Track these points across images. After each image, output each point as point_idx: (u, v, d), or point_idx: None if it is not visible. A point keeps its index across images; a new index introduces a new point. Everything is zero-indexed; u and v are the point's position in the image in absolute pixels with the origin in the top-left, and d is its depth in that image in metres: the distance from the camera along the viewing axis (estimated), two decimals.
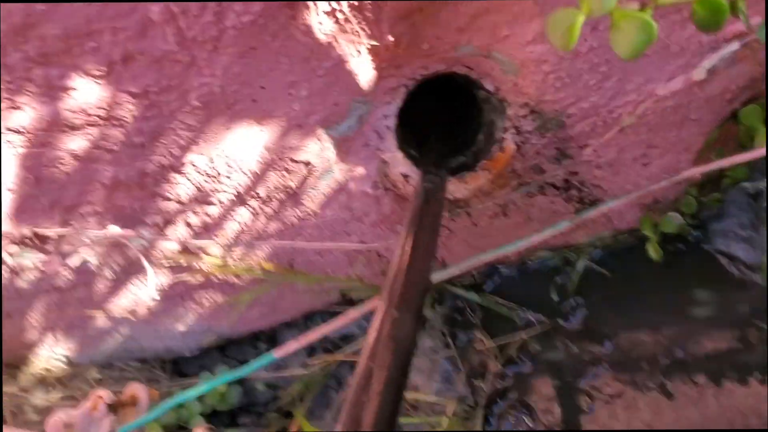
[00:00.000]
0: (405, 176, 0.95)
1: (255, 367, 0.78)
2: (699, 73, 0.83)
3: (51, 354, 1.30)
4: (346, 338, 1.29)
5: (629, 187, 1.06)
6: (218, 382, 0.79)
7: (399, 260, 0.68)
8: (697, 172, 0.99)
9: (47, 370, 1.32)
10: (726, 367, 1.07)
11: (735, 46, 0.78)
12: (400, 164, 0.94)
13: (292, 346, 0.79)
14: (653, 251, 1.10)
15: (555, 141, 0.94)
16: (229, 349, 1.35)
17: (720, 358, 1.07)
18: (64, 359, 1.32)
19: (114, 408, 0.82)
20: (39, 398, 1.30)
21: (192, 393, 0.82)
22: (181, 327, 1.26)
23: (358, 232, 1.07)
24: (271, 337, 1.35)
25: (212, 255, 1.06)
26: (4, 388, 1.27)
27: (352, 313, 0.80)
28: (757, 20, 0.73)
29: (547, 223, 1.12)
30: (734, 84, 0.91)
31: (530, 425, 1.14)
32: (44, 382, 1.33)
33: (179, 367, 1.37)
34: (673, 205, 1.12)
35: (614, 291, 1.17)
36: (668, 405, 1.08)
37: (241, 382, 1.31)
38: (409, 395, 1.18)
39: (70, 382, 1.30)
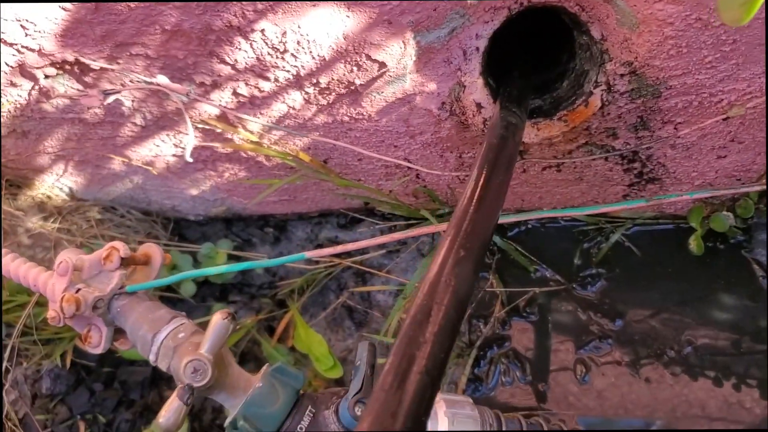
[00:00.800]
0: (478, 105, 0.88)
1: (284, 261, 0.75)
2: None
3: (56, 183, 1.26)
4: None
5: (695, 174, 1.01)
6: (241, 267, 0.75)
7: (469, 197, 0.63)
8: (760, 188, 0.94)
9: (48, 197, 1.28)
10: (728, 375, 1.06)
11: None
12: (477, 91, 0.87)
13: (326, 250, 0.75)
14: (695, 245, 1.06)
15: (642, 109, 0.88)
16: (236, 225, 1.32)
17: (729, 369, 1.06)
18: (67, 191, 1.29)
19: (126, 263, 0.79)
20: (34, 223, 1.27)
21: (211, 270, 0.78)
22: (194, 191, 1.22)
23: (406, 149, 1.01)
24: (281, 225, 1.31)
25: (249, 131, 1.00)
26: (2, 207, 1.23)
27: (397, 235, 0.75)
28: None
29: (599, 187, 1.07)
30: None
31: (518, 376, 1.13)
32: (43, 208, 1.29)
33: (180, 228, 1.34)
34: (729, 203, 1.07)
35: (640, 271, 1.14)
36: (662, 399, 1.08)
37: (237, 258, 1.29)
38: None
39: (69, 215, 1.27)
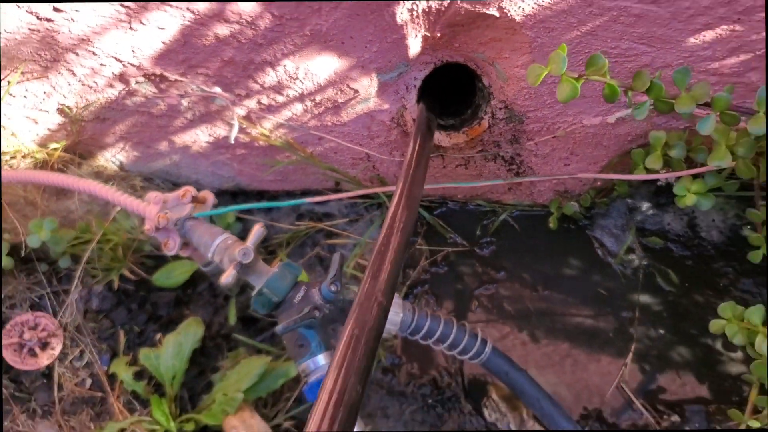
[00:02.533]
0: (414, 120, 1.42)
1: (289, 204, 1.26)
2: (611, 119, 1.33)
3: (111, 157, 1.74)
4: (327, 215, 1.78)
5: (549, 173, 1.56)
6: (270, 205, 1.27)
7: (407, 162, 1.14)
8: (594, 176, 1.50)
9: (104, 167, 1.76)
10: (571, 313, 1.61)
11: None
12: (413, 111, 1.41)
13: (317, 198, 1.27)
14: (552, 223, 1.61)
15: (513, 130, 1.43)
16: (239, 197, 1.82)
17: (570, 306, 1.61)
18: (118, 164, 1.76)
19: (193, 200, 1.29)
20: None
21: (240, 206, 1.29)
22: (215, 169, 1.72)
23: (368, 147, 1.54)
24: (273, 198, 1.82)
25: (264, 127, 1.51)
26: (71, 167, 1.70)
27: (359, 192, 1.27)
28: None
29: (492, 180, 1.62)
30: (634, 132, 1.41)
31: (434, 308, 1.66)
32: (99, 175, 1.77)
33: None
34: (576, 197, 1.63)
35: (519, 241, 1.69)
36: (524, 327, 1.62)
37: (241, 219, 1.78)
38: (360, 260, 1.68)
39: (119, 182, 1.75)
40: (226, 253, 1.20)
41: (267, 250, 1.76)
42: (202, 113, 1.50)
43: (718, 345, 1.54)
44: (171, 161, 1.72)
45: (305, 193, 1.82)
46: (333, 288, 1.19)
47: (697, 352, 1.55)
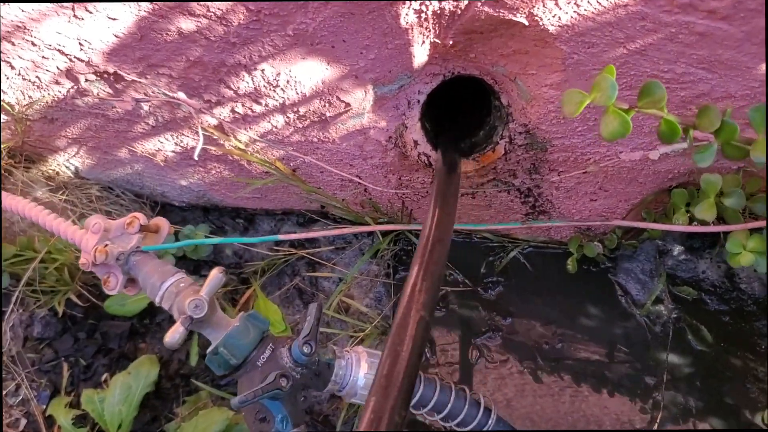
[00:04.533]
0: (415, 142, 1.19)
1: (261, 240, 1.03)
2: (654, 155, 1.10)
3: (65, 162, 1.50)
4: (310, 240, 1.55)
5: (574, 211, 1.34)
6: (234, 240, 1.03)
7: (430, 221, 0.91)
8: (631, 224, 1.28)
9: (57, 173, 1.53)
10: (589, 373, 1.39)
11: (684, 145, 1.05)
12: (415, 131, 1.18)
13: (293, 236, 1.04)
14: (571, 265, 1.38)
15: (534, 159, 1.20)
16: (212, 213, 1.59)
17: (587, 365, 1.38)
18: (73, 170, 1.53)
19: (142, 229, 1.06)
20: (43, 193, 1.51)
21: (207, 240, 1.05)
22: (183, 182, 1.49)
23: (359, 168, 1.31)
24: (250, 218, 1.59)
25: (238, 140, 1.28)
26: (16, 172, 1.47)
27: (347, 229, 1.04)
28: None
29: (503, 213, 1.39)
30: (677, 169, 1.18)
31: (427, 354, 1.43)
32: (50, 181, 1.54)
33: (165, 211, 1.59)
34: (600, 236, 1.40)
35: (529, 282, 1.46)
36: (533, 389, 1.39)
37: (214, 245, 1.55)
38: (345, 299, 1.45)
39: (73, 190, 1.52)
40: (176, 300, 0.97)
41: (239, 277, 1.52)
42: (166, 120, 1.27)
43: (758, 419, 1.32)
44: (133, 170, 1.49)
45: (287, 213, 1.59)
46: (306, 349, 0.97)
47: (731, 424, 1.33)
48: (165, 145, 1.36)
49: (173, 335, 0.91)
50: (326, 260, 1.51)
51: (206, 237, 1.52)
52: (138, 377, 1.35)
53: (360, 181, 1.29)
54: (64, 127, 1.35)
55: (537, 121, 1.11)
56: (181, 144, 1.34)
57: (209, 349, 0.97)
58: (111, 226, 1.05)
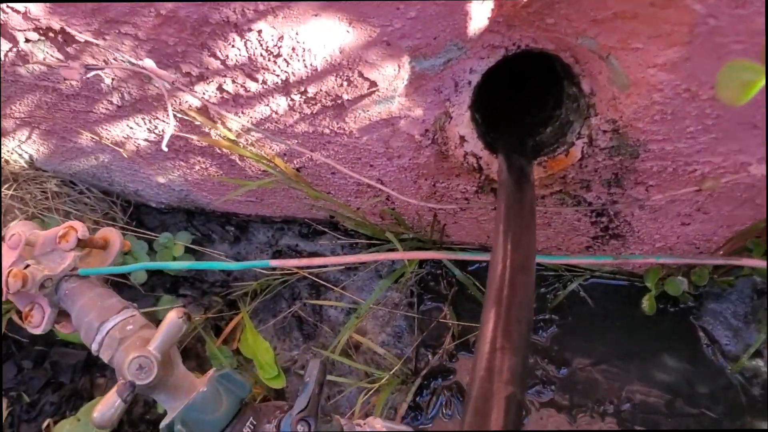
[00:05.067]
0: (461, 138, 0.89)
1: (248, 266, 0.73)
2: None
3: (16, 148, 1.21)
4: (314, 256, 1.25)
5: (657, 236, 1.03)
6: (201, 266, 0.73)
7: (503, 248, 0.60)
8: (723, 262, 0.97)
9: (6, 161, 1.24)
10: None
11: None
12: (463, 124, 0.87)
13: (292, 262, 0.74)
14: (648, 305, 1.08)
15: (618, 167, 0.90)
16: (197, 218, 1.29)
17: (658, 425, 1.08)
18: (27, 158, 1.24)
19: (82, 244, 0.76)
20: None
21: (168, 265, 0.76)
22: (161, 179, 1.19)
23: (381, 170, 1.01)
24: (243, 225, 1.29)
25: (228, 128, 0.99)
26: None
27: (366, 257, 0.74)
28: None
29: (565, 235, 1.08)
30: None
31: (459, 410, 1.13)
32: None
33: (140, 214, 1.30)
34: (685, 268, 1.10)
35: (591, 322, 1.15)
36: None
37: (194, 252, 1.26)
38: (355, 336, 1.15)
39: (25, 183, 1.23)
40: (118, 352, 0.68)
41: (225, 299, 1.23)
42: (134, 98, 0.98)
43: None
44: (98, 162, 1.20)
45: (288, 222, 1.29)
46: (302, 429, 0.67)
47: None
48: (135, 132, 1.06)
49: (105, 411, 0.61)
50: (334, 282, 1.21)
51: (186, 247, 1.22)
52: (89, 427, 1.05)
53: (382, 187, 0.99)
54: (8, 103, 1.06)
55: (632, 117, 0.81)
56: (156, 131, 1.05)
57: (162, 423, 0.68)
58: (37, 238, 0.75)
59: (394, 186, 1.05)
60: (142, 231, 1.26)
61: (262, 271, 1.20)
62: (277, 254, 1.26)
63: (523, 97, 1.04)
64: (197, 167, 1.13)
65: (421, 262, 1.20)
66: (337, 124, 0.93)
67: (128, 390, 0.62)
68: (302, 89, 0.87)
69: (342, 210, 1.15)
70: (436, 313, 1.19)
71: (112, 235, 0.79)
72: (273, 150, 1.03)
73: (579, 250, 1.12)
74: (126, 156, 1.13)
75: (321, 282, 1.20)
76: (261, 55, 0.83)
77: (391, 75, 0.82)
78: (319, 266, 1.17)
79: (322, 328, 1.19)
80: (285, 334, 1.20)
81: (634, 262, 1.11)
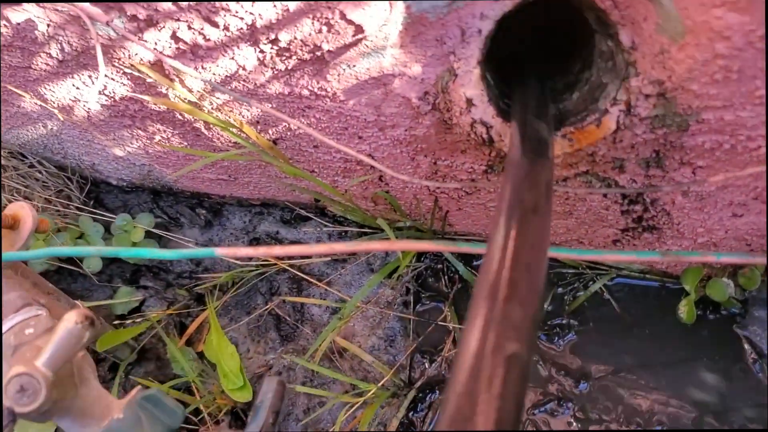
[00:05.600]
0: (468, 102, 0.72)
1: (187, 255, 0.57)
2: None
3: None
4: (297, 244, 1.08)
5: (701, 230, 0.86)
6: (125, 253, 0.57)
7: (503, 240, 0.44)
8: None
9: None
10: None
11: None
12: (471, 84, 0.70)
13: (242, 251, 0.57)
14: (686, 311, 0.91)
15: (661, 143, 0.72)
16: (163, 199, 1.13)
17: None
18: None
19: None
20: None
21: (110, 251, 0.59)
22: (118, 151, 1.03)
23: (373, 143, 0.84)
24: (216, 208, 1.13)
25: (188, 87, 0.82)
26: None
27: (349, 247, 0.57)
28: None
29: (589, 226, 0.92)
30: None
31: None
32: None
33: (99, 192, 1.14)
34: (733, 269, 0.93)
35: (616, 329, 0.99)
36: None
37: (160, 238, 1.10)
38: (339, 341, 0.99)
39: None
40: (12, 359, 0.51)
41: (192, 292, 1.06)
42: (76, 50, 0.81)
43: None
44: (48, 130, 1.03)
45: (267, 205, 1.12)
46: None
47: None
48: (83, 93, 0.90)
49: None
50: (318, 276, 1.05)
51: (148, 231, 1.06)
52: None
53: (374, 163, 0.82)
54: None
55: (685, 76, 0.64)
56: (107, 92, 0.88)
57: None
58: None
59: (388, 163, 0.88)
60: (100, 212, 1.10)
61: (234, 261, 1.04)
62: (255, 242, 1.10)
63: (546, 55, 0.87)
64: (157, 137, 0.96)
65: (419, 255, 1.03)
66: (318, 83, 0.77)
67: (8, 419, 0.46)
68: (272, 37, 0.71)
69: (328, 192, 0.98)
70: (435, 314, 1.02)
71: (23, 212, 0.63)
72: (243, 116, 0.86)
73: (604, 244, 0.95)
74: (76, 122, 0.96)
75: (303, 276, 1.03)
76: None
77: (382, 17, 0.65)
78: (289, 257, 1.01)
79: (302, 329, 1.02)
80: (260, 335, 1.04)
81: (669, 260, 0.94)
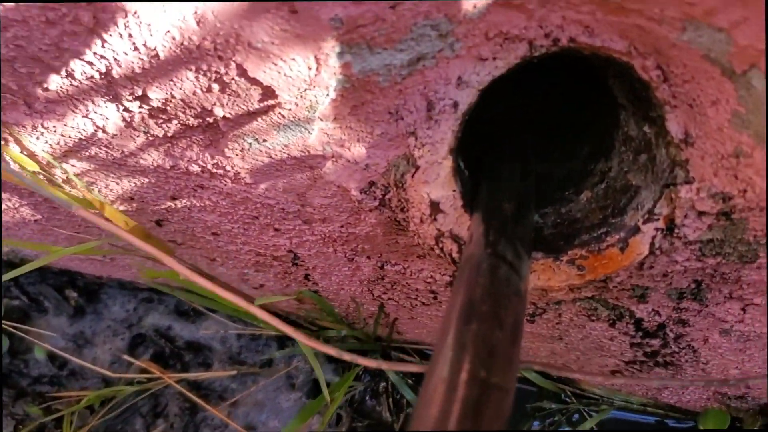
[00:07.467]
0: (435, 206, 0.48)
1: None
2: None
3: None
4: (193, 348, 0.82)
5: (735, 371, 0.64)
6: None
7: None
8: None
9: None
10: None
11: None
12: (439, 182, 0.47)
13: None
14: None
15: (708, 273, 0.50)
16: (26, 276, 0.86)
17: None
18: None
19: None
20: None
21: None
22: None
23: (296, 237, 0.60)
24: (91, 290, 0.86)
25: (28, 150, 0.56)
26: None
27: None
28: None
29: (583, 354, 0.69)
30: None
31: None
32: None
33: None
34: (760, 407, 0.71)
35: None
36: None
37: (10, 335, 0.83)
38: None
39: None
40: None
41: (49, 410, 0.79)
42: None
43: None
44: None
45: (157, 291, 0.86)
46: None
47: None
48: None
49: None
50: (220, 394, 0.79)
51: None
52: None
53: (297, 261, 0.58)
54: None
55: (765, 190, 0.41)
56: None
57: None
58: None
59: (317, 261, 0.64)
60: None
61: (108, 373, 0.77)
62: (139, 338, 0.83)
63: (537, 126, 0.64)
64: (3, 206, 0.70)
65: (358, 375, 0.78)
66: (213, 158, 0.52)
67: None
68: (138, 92, 0.46)
69: (236, 285, 0.73)
70: None
71: None
72: (112, 191, 0.60)
73: (599, 372, 0.72)
74: None
75: (195, 398, 0.77)
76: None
77: (304, 77, 0.41)
78: (200, 351, 0.75)
79: None
80: None
81: (675, 394, 0.72)
